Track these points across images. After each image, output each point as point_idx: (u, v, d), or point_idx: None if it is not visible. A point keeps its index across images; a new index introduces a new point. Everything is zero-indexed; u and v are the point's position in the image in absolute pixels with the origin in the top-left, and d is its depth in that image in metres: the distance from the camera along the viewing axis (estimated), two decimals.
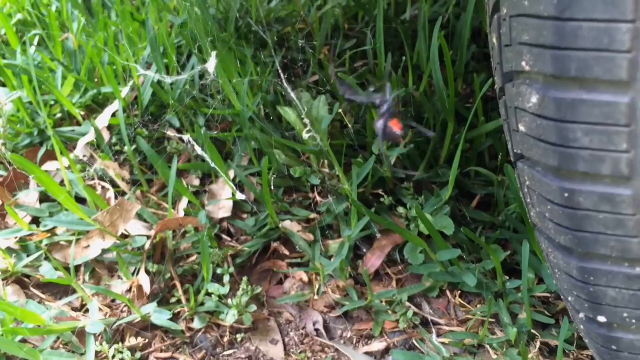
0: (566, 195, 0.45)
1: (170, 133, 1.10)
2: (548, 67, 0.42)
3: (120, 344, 0.85)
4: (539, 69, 0.43)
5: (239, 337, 0.90)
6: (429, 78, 1.19)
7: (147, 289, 0.92)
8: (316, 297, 0.97)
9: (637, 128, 0.40)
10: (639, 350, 0.49)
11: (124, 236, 1.00)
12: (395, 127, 0.66)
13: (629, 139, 0.40)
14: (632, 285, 0.46)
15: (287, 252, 1.03)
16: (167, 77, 0.62)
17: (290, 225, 1.05)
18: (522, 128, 0.49)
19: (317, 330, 0.93)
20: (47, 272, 0.95)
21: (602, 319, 0.49)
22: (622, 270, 0.45)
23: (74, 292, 0.96)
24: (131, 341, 0.86)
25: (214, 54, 0.60)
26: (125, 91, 1.16)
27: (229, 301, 0.92)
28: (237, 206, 1.10)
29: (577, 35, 0.39)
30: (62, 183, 1.11)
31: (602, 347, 0.51)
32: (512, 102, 0.49)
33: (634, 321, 0.47)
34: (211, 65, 0.59)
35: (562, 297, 0.55)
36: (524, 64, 0.45)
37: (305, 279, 0.99)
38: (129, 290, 0.93)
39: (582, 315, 0.51)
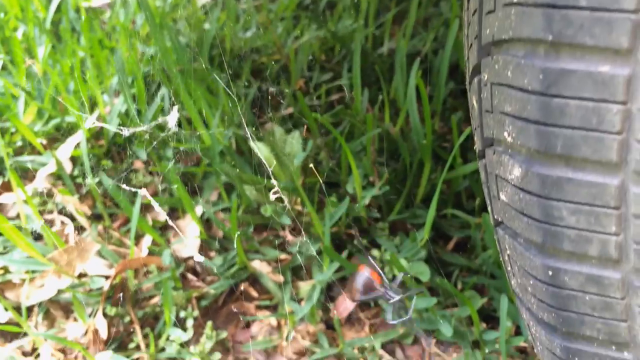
0: (550, 272, 0.43)
1: (137, 165, 1.06)
2: (532, 142, 0.40)
3: None
4: (522, 142, 0.41)
5: None
6: (405, 115, 1.18)
7: (103, 334, 0.86)
8: (285, 343, 0.93)
9: (627, 211, 0.38)
10: None
11: (82, 275, 0.95)
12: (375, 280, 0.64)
13: (618, 222, 0.38)
14: None
15: (255, 294, 0.99)
16: (124, 128, 0.58)
17: (259, 266, 1.00)
18: (503, 197, 0.46)
19: None
20: None
21: None
22: (609, 354, 0.43)
23: (26, 334, 0.90)
24: None
25: (175, 108, 0.56)
26: (89, 121, 1.11)
27: (192, 348, 0.87)
28: (205, 243, 1.05)
29: (563, 113, 0.37)
30: (19, 216, 1.05)
31: None
32: (493, 169, 0.47)
33: None
34: (172, 118, 0.56)
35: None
36: (505, 134, 0.42)
37: (274, 323, 0.95)
38: (85, 334, 0.87)
39: None
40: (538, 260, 0.43)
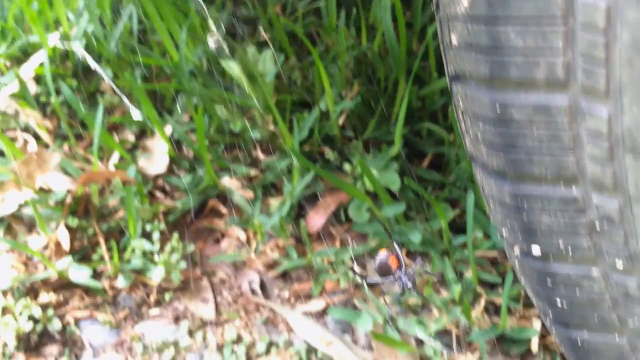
0: (498, 110, 0.40)
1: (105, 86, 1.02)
2: None
3: (31, 300, 0.78)
4: None
5: (167, 296, 0.84)
6: (382, 36, 1.14)
7: (66, 245, 0.84)
8: (253, 256, 0.91)
9: (575, 22, 0.35)
10: (575, 283, 0.45)
11: (46, 191, 0.92)
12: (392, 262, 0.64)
13: (565, 37, 0.36)
14: (568, 208, 0.41)
15: (224, 210, 0.97)
16: None
17: (229, 182, 0.98)
18: (454, 40, 0.43)
19: (252, 289, 0.87)
20: None
21: (536, 250, 0.45)
22: (558, 192, 0.41)
23: None
24: (44, 298, 0.79)
25: None
26: (52, 40, 1.07)
27: (157, 258, 0.86)
28: (174, 163, 1.03)
29: None
30: None
31: (538, 285, 0.47)
32: (445, 12, 0.44)
33: (569, 250, 0.43)
34: None
35: (498, 234, 0.51)
36: None
37: (243, 237, 0.93)
38: (47, 247, 0.85)
39: (516, 249, 0.47)
40: (486, 97, 0.41)
